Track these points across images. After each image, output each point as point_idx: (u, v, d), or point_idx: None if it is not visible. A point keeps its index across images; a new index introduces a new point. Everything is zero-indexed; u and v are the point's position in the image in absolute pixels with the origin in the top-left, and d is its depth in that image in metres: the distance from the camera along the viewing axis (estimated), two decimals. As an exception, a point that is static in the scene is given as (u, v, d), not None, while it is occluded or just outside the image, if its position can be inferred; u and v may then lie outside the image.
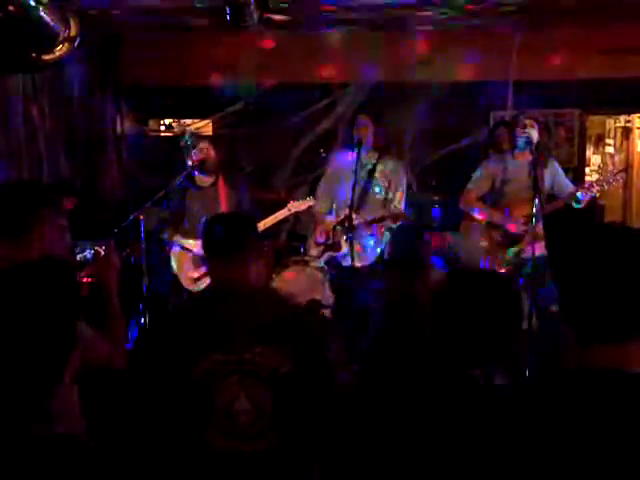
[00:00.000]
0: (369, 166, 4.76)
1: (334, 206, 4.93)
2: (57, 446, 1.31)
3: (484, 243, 4.60)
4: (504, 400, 1.46)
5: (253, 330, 1.91)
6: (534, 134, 4.40)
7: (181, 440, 1.98)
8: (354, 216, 4.60)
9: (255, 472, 1.90)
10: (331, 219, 4.92)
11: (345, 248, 4.74)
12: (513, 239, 4.49)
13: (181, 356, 1.95)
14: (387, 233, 4.81)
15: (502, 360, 1.69)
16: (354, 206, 4.60)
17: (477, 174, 4.69)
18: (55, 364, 1.46)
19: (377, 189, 4.77)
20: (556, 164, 4.67)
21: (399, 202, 4.75)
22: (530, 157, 4.34)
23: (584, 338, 1.29)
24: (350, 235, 4.56)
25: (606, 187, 4.46)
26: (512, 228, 4.47)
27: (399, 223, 4.71)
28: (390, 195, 4.77)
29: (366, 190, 4.74)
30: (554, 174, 4.56)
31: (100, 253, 2.40)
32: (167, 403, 2.00)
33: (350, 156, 4.69)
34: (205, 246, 2.15)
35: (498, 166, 4.60)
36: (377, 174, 4.76)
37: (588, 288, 1.27)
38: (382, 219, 4.67)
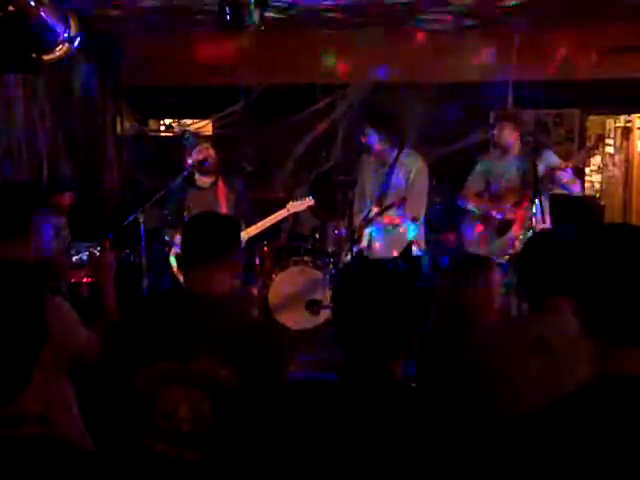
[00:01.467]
0: (389, 163, 4.75)
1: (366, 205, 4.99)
2: (24, 448, 1.29)
3: (481, 234, 4.76)
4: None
5: (204, 341, 1.88)
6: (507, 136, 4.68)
7: (124, 442, 1.99)
8: (374, 209, 4.74)
9: (195, 479, 1.89)
10: (361, 217, 4.96)
11: (364, 241, 4.80)
12: (504, 225, 4.67)
13: (129, 359, 1.95)
14: (414, 226, 4.84)
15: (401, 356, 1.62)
16: (375, 201, 4.75)
17: (473, 171, 4.90)
18: (21, 362, 1.43)
19: (398, 184, 4.79)
20: (550, 154, 4.75)
21: (417, 199, 4.76)
22: (523, 152, 4.64)
23: (616, 341, 1.24)
24: (368, 228, 4.75)
25: (580, 163, 4.65)
26: (503, 214, 4.66)
27: (413, 215, 4.73)
28: (409, 192, 4.79)
29: (386, 186, 4.77)
30: (548, 164, 4.63)
31: (95, 254, 2.41)
32: (114, 403, 2.02)
33: (373, 157, 4.85)
34: (181, 250, 2.13)
35: (491, 162, 4.84)
36: (397, 172, 4.77)
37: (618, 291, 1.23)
38: (390, 206, 4.70)
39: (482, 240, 4.77)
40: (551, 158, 4.70)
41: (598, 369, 1.25)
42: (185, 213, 4.82)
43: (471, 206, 4.85)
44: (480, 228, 4.80)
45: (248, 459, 1.81)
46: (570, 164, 4.62)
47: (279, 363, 1.95)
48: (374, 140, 4.70)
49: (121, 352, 2.00)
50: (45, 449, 2.01)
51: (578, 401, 1.23)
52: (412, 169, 4.77)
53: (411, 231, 4.82)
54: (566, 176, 4.55)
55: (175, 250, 4.85)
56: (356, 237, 4.80)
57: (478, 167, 4.89)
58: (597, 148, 5.15)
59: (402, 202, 4.68)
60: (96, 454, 2.19)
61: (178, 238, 4.79)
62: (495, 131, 4.76)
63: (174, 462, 1.89)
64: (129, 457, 1.97)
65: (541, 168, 4.53)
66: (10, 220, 2.22)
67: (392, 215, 4.75)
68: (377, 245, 4.82)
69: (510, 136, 4.69)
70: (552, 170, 4.54)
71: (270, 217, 4.91)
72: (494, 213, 4.72)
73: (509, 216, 4.65)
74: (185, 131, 6.89)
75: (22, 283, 2.14)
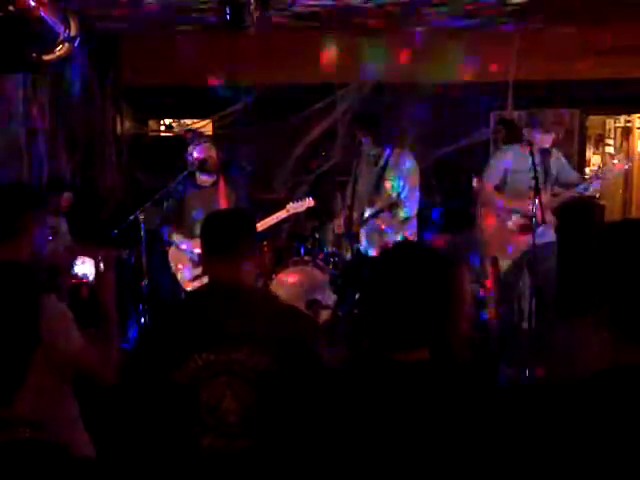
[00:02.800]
0: (381, 163, 4.84)
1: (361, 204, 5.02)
2: (14, 452, 1.27)
3: (497, 231, 4.71)
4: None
5: (241, 331, 1.90)
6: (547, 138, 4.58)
7: (169, 438, 1.98)
8: (367, 209, 4.81)
9: (242, 470, 1.89)
10: (355, 216, 4.99)
11: (364, 240, 4.87)
12: (526, 226, 4.56)
13: (169, 355, 1.94)
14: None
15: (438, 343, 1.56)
16: (368, 201, 4.82)
17: (490, 165, 4.80)
18: (14, 364, 1.40)
19: (388, 183, 4.84)
20: (560, 154, 4.76)
21: (407, 197, 4.79)
22: (540, 149, 4.52)
23: (631, 337, 1.28)
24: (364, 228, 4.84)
25: (608, 177, 4.61)
26: (526, 212, 4.52)
27: (404, 216, 4.76)
28: (401, 190, 4.84)
29: (379, 185, 4.83)
30: (558, 164, 4.67)
31: (98, 267, 2.40)
32: (156, 402, 2.00)
33: (366, 157, 4.90)
34: (201, 243, 2.15)
35: (507, 157, 4.74)
36: (388, 171, 4.83)
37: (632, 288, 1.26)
38: (381, 211, 4.78)
39: (497, 237, 4.71)
40: (562, 159, 4.71)
41: (612, 361, 1.30)
42: (185, 212, 4.82)
43: (496, 202, 4.72)
44: (496, 224, 4.71)
45: (296, 446, 1.81)
46: (594, 181, 4.57)
47: (317, 346, 1.96)
48: (366, 142, 4.78)
49: (159, 349, 1.99)
50: (35, 454, 2.00)
51: (590, 387, 1.29)
52: (403, 169, 4.81)
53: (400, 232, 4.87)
54: (589, 191, 4.55)
55: (172, 249, 4.85)
56: (353, 235, 4.85)
57: (493, 160, 4.82)
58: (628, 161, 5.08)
59: (391, 207, 4.74)
60: (91, 461, 2.17)
61: (177, 237, 4.79)
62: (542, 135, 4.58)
63: (223, 454, 1.89)
64: (177, 453, 1.96)
65: (552, 167, 4.57)
66: (3, 223, 2.21)
67: (384, 218, 4.81)
68: (372, 242, 4.86)
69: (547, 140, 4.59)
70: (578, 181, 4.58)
71: (270, 218, 4.91)
72: (518, 209, 4.60)
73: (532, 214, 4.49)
74: (189, 130, 6.90)
75: (16, 285, 2.13)
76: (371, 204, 4.86)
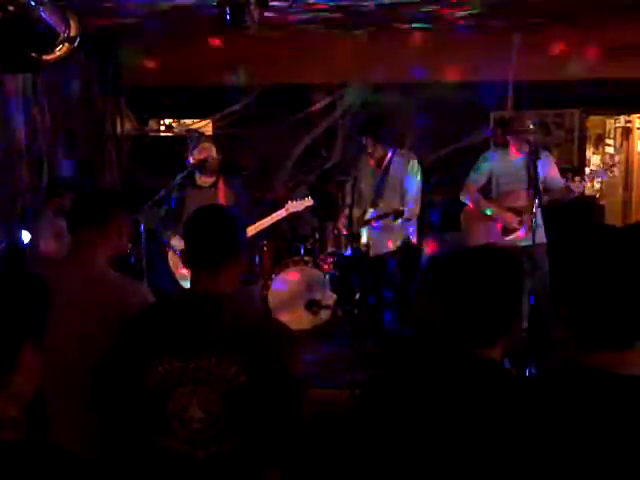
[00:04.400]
0: (384, 164, 4.88)
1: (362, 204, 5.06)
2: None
3: (484, 233, 4.76)
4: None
5: (213, 339, 1.88)
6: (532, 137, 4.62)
7: (136, 442, 1.97)
8: (370, 210, 4.86)
9: (207, 477, 1.89)
10: (357, 216, 5.02)
11: (364, 240, 4.86)
12: (510, 229, 4.70)
13: (137, 359, 1.93)
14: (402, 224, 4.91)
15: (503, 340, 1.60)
16: (371, 202, 4.88)
17: (476, 168, 4.87)
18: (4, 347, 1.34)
19: (391, 185, 4.87)
20: (549, 157, 4.81)
21: (410, 198, 4.85)
22: (525, 152, 4.57)
23: (584, 344, 1.30)
24: (365, 228, 4.85)
25: (599, 179, 4.67)
26: (508, 219, 4.68)
27: (401, 220, 4.80)
28: (404, 192, 4.88)
29: (381, 187, 4.87)
30: (546, 166, 4.67)
31: None
32: (124, 403, 2.00)
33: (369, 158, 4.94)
34: (185, 251, 2.09)
35: (495, 160, 4.80)
36: (391, 172, 4.87)
37: (591, 296, 1.29)
38: (385, 215, 4.80)
39: (481, 239, 4.74)
40: (550, 162, 4.73)
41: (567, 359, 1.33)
42: (183, 212, 4.82)
43: (475, 203, 4.83)
44: (483, 227, 4.79)
45: (260, 454, 1.80)
46: (586, 183, 4.71)
47: (289, 357, 1.94)
48: (369, 145, 4.82)
49: (130, 352, 1.98)
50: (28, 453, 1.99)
51: (545, 382, 1.36)
52: (406, 169, 4.85)
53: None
54: (580, 187, 4.65)
55: (172, 253, 4.84)
56: (353, 236, 4.87)
57: (482, 164, 4.86)
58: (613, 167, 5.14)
59: (396, 214, 4.76)
60: (86, 460, 2.17)
61: (175, 240, 4.77)
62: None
63: (186, 460, 1.89)
64: (141, 456, 1.96)
65: (539, 170, 4.55)
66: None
67: (386, 220, 4.84)
68: (373, 241, 4.87)
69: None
70: (567, 188, 4.62)
71: (269, 217, 4.90)
72: (499, 213, 4.72)
73: (515, 219, 4.66)
74: (190, 129, 6.90)
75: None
76: (374, 205, 4.89)
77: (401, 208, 4.79)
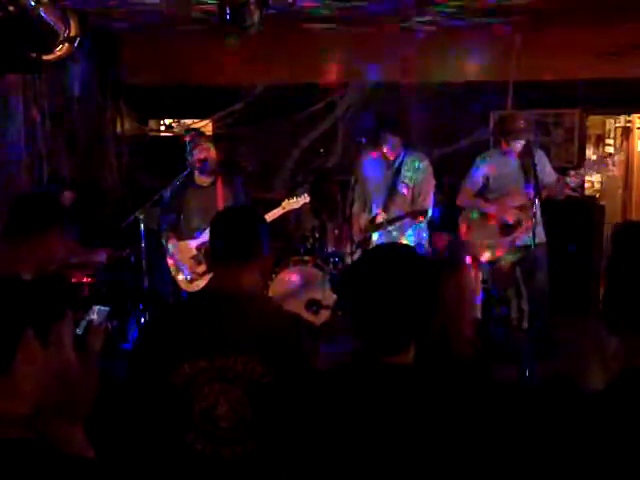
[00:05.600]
0: (395, 166, 4.86)
1: (368, 206, 5.04)
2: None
3: (483, 234, 4.79)
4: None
5: (239, 339, 1.89)
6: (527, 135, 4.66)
7: (162, 443, 1.97)
8: (381, 214, 4.84)
9: (232, 476, 1.89)
10: (365, 218, 5.03)
11: (373, 244, 4.85)
12: (509, 228, 4.70)
13: (164, 360, 1.93)
14: (412, 230, 4.89)
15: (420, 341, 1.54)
16: (382, 205, 4.87)
17: (471, 172, 4.88)
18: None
19: (403, 188, 4.85)
20: (541, 154, 4.80)
21: (424, 200, 4.84)
22: (521, 152, 4.63)
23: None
24: (380, 232, 4.86)
25: (595, 172, 4.71)
26: (508, 218, 4.68)
27: (421, 222, 4.81)
28: (416, 193, 4.85)
29: (393, 189, 4.85)
30: (540, 164, 4.66)
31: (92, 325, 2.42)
32: (151, 404, 1.99)
33: (377, 157, 4.91)
34: (209, 243, 2.13)
35: (489, 162, 4.82)
36: (403, 173, 4.84)
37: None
38: (402, 217, 4.79)
39: (478, 238, 4.79)
40: (542, 159, 4.74)
41: (624, 365, 1.29)
42: (182, 212, 4.82)
43: (473, 206, 4.84)
44: (482, 227, 4.80)
45: (287, 454, 1.81)
46: (580, 176, 4.74)
47: (311, 354, 1.95)
48: (390, 146, 4.76)
49: (157, 351, 1.98)
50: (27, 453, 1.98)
51: (607, 397, 1.28)
52: (418, 169, 4.83)
53: (409, 236, 4.88)
54: (575, 181, 4.67)
55: (170, 256, 4.83)
56: (363, 240, 4.84)
57: (478, 166, 4.87)
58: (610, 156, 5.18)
59: (410, 214, 4.76)
60: (87, 461, 2.16)
61: (170, 245, 4.76)
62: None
63: (212, 460, 1.89)
64: (168, 456, 1.95)
65: (539, 169, 4.57)
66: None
67: (403, 223, 4.85)
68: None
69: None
70: (561, 181, 4.64)
71: (266, 215, 4.90)
72: (498, 214, 4.72)
73: (515, 218, 4.66)
74: (189, 129, 6.89)
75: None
76: (386, 209, 4.86)
77: (422, 209, 4.77)
